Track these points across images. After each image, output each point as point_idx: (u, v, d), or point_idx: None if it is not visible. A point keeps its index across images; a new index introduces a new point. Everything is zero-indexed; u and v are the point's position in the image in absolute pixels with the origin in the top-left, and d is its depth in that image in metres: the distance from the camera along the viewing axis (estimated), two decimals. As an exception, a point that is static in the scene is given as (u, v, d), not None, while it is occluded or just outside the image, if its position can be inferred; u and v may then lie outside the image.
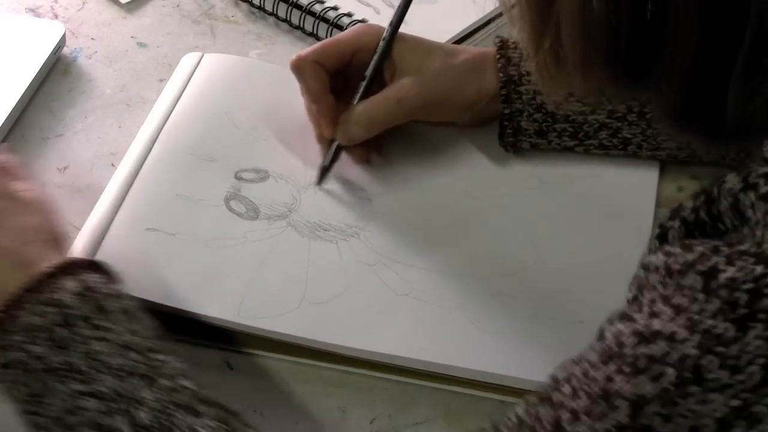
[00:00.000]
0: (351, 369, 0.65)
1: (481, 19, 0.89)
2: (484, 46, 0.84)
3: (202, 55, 0.83)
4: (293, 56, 0.74)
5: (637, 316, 0.44)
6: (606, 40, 0.45)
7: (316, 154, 0.75)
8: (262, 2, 0.91)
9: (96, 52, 0.87)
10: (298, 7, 0.89)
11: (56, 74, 0.84)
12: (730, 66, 0.42)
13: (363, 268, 0.69)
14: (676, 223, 0.48)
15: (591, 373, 0.44)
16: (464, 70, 0.74)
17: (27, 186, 0.64)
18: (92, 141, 0.79)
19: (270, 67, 0.84)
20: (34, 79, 0.81)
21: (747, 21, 0.41)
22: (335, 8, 0.88)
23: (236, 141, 0.77)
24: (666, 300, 0.43)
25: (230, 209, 0.72)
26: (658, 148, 0.75)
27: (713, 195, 0.46)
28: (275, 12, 0.90)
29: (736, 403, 0.40)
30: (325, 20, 0.87)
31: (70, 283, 0.55)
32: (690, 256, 0.43)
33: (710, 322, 0.41)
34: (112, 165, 0.76)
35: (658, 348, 0.42)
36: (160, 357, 0.55)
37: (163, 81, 0.83)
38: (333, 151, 0.74)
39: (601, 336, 0.46)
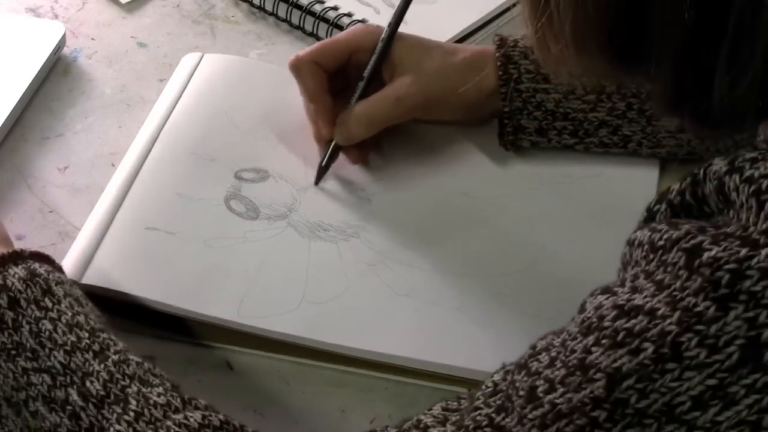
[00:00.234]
0: (351, 369, 0.65)
1: (481, 19, 0.89)
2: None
3: (202, 55, 0.83)
4: (292, 56, 0.74)
5: (618, 290, 0.44)
6: (597, 17, 0.45)
7: (316, 155, 0.75)
8: (262, 2, 0.91)
9: (96, 52, 0.87)
10: (298, 7, 0.89)
11: (56, 74, 0.85)
12: (716, 53, 0.42)
13: (363, 268, 0.68)
14: (663, 206, 0.48)
15: (570, 344, 0.44)
16: (463, 69, 0.74)
17: None
18: (92, 141, 0.79)
19: (270, 67, 0.84)
20: (34, 79, 0.81)
21: (731, 11, 0.41)
22: (335, 8, 0.88)
23: (236, 141, 0.77)
24: (648, 275, 0.43)
25: (230, 209, 0.72)
26: (658, 146, 0.75)
27: (699, 177, 0.46)
28: (275, 12, 0.90)
29: (712, 382, 0.40)
30: (325, 20, 0.87)
31: (16, 270, 0.57)
32: (675, 233, 0.43)
33: (691, 299, 0.41)
34: (112, 165, 0.76)
35: (637, 322, 0.42)
36: (108, 336, 0.56)
37: (163, 81, 0.83)
38: (330, 151, 0.74)
39: (582, 309, 0.46)
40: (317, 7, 0.88)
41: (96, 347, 0.55)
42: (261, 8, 0.91)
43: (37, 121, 0.80)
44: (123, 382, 0.53)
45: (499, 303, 0.67)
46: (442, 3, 0.90)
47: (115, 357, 0.54)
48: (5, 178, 0.76)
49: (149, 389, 0.53)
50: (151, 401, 0.52)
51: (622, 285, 0.44)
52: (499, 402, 0.47)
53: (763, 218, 0.41)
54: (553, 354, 0.45)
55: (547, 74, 0.73)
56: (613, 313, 0.43)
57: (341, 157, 0.75)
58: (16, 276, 0.56)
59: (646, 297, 0.42)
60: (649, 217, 0.49)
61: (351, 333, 0.64)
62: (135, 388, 0.53)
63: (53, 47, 0.84)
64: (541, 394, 0.44)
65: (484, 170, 0.76)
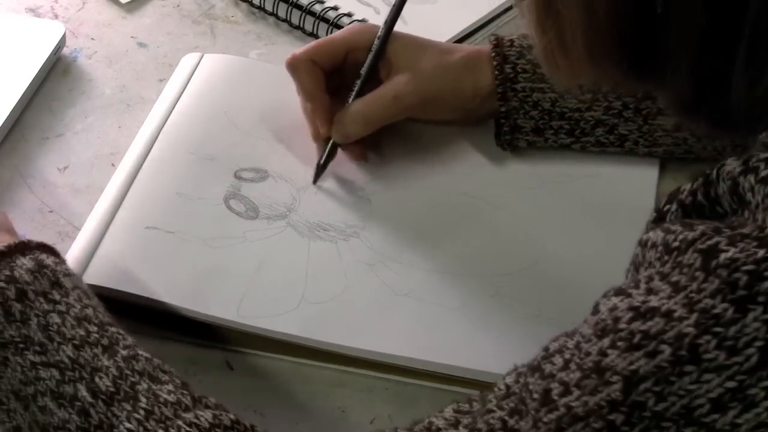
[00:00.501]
0: (351, 369, 0.65)
1: (480, 19, 0.89)
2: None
3: (202, 56, 0.83)
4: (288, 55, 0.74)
5: (633, 291, 0.44)
6: (609, 24, 0.45)
7: (315, 155, 0.75)
8: (262, 2, 0.91)
9: (96, 52, 0.87)
10: (298, 7, 0.89)
11: (56, 74, 0.85)
12: (732, 55, 0.42)
13: (362, 268, 0.69)
14: (674, 207, 0.47)
15: (584, 347, 0.44)
16: (459, 68, 0.74)
17: None
18: (92, 141, 0.79)
19: (269, 67, 0.84)
20: (34, 79, 0.81)
21: (747, 12, 0.41)
22: (335, 8, 0.88)
23: (236, 141, 0.77)
24: (664, 277, 0.43)
25: (230, 208, 0.72)
26: (655, 145, 0.75)
27: (711, 177, 0.45)
28: (275, 12, 0.91)
29: (731, 384, 0.39)
30: (325, 20, 0.87)
31: (24, 261, 0.56)
32: (690, 234, 0.42)
33: (709, 301, 0.40)
34: (112, 165, 0.76)
35: (654, 324, 0.41)
36: (116, 330, 0.55)
37: (163, 81, 0.83)
38: (328, 149, 0.74)
39: (596, 310, 0.45)
40: (317, 7, 0.88)
41: (105, 342, 0.54)
42: (261, 8, 0.92)
43: (36, 121, 0.80)
44: (132, 379, 0.52)
45: (499, 303, 0.67)
46: (442, 3, 0.91)
47: (125, 352, 0.54)
48: (5, 178, 0.76)
49: (159, 386, 0.52)
50: (161, 399, 0.52)
51: (637, 286, 0.44)
52: (512, 405, 0.46)
53: None
54: (567, 356, 0.45)
55: (543, 74, 0.72)
56: (629, 315, 0.42)
57: (340, 155, 0.75)
58: (24, 267, 0.56)
59: (662, 299, 0.42)
60: (659, 217, 0.48)
61: (351, 333, 0.64)
62: (145, 386, 0.52)
63: (53, 47, 0.84)
64: (555, 397, 0.43)
65: (484, 170, 0.76)
